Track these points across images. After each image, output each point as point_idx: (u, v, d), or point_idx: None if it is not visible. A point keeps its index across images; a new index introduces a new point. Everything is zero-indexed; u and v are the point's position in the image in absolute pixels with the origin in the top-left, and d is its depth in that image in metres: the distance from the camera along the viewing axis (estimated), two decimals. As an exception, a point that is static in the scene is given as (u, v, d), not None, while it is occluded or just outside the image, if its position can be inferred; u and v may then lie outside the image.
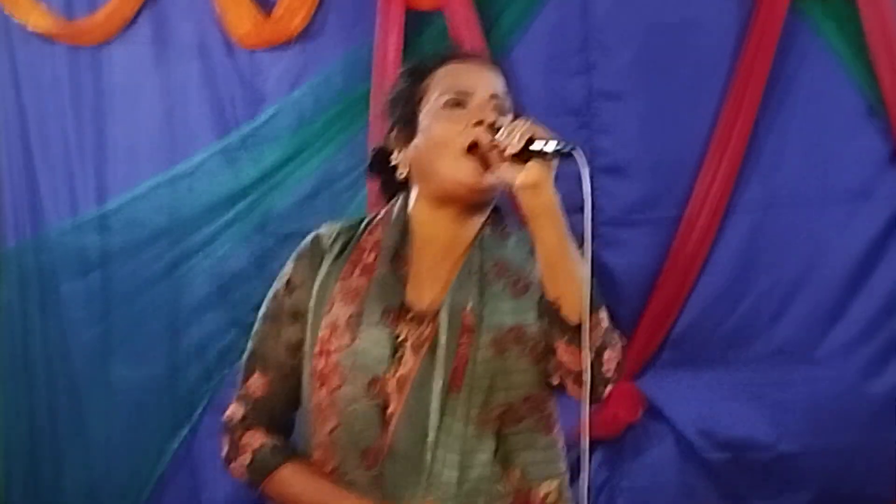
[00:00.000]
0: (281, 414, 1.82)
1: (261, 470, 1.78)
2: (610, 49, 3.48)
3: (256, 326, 1.84)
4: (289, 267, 1.82)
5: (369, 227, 1.81)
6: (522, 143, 1.60)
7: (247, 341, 1.88)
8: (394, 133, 1.83)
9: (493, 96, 1.77)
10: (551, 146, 1.59)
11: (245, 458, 1.79)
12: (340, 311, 1.72)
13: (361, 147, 3.40)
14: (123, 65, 3.78)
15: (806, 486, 3.41)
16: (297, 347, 1.78)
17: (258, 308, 1.88)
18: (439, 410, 1.66)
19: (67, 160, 3.81)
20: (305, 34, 3.64)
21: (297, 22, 3.61)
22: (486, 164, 1.68)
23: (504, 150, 1.62)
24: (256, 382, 1.81)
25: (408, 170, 1.79)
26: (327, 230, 1.83)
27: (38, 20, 3.74)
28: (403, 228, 1.78)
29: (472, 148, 1.69)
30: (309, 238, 1.83)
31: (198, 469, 3.68)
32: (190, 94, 3.73)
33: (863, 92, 3.40)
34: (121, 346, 3.75)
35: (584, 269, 1.62)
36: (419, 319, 1.71)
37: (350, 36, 3.60)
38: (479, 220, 1.78)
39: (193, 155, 3.71)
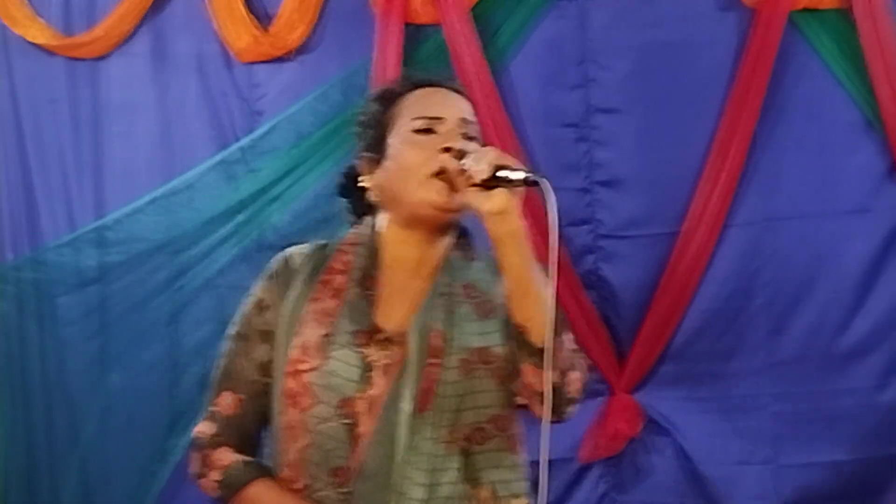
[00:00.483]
0: (250, 432, 1.83)
1: (231, 486, 1.79)
2: (608, 63, 3.50)
3: (226, 346, 1.85)
4: (259, 287, 1.83)
5: (340, 249, 1.84)
6: (490, 171, 1.62)
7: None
8: (364, 157, 1.85)
9: (462, 122, 1.79)
10: (519, 175, 1.61)
11: (216, 475, 1.81)
12: (311, 332, 1.74)
13: (359, 161, 3.41)
14: (122, 79, 3.79)
15: (806, 498, 3.41)
16: (266, 367, 1.80)
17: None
18: (408, 430, 1.69)
19: (65, 174, 3.81)
20: (304, 49, 3.66)
21: (296, 36, 3.63)
22: (453, 189, 1.71)
23: (471, 177, 1.64)
24: (226, 400, 1.83)
25: (377, 193, 1.82)
26: (297, 251, 1.85)
27: (36, 34, 3.75)
28: (373, 250, 1.81)
29: (440, 174, 1.72)
30: (279, 258, 1.85)
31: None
32: (188, 108, 3.74)
33: (860, 107, 3.41)
34: (118, 359, 3.75)
35: (549, 293, 1.65)
36: (389, 341, 1.73)
37: (348, 50, 3.62)
38: (446, 242, 1.81)
39: (191, 169, 3.71)
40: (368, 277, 1.79)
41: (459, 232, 1.84)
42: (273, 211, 3.67)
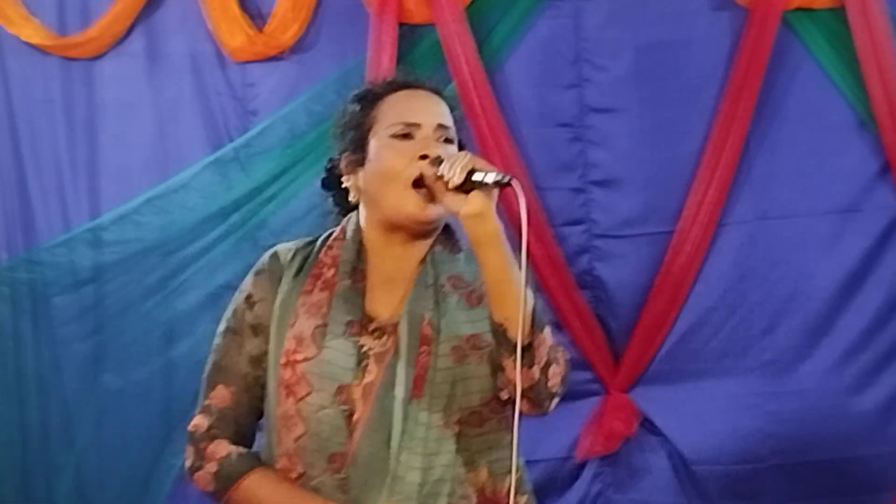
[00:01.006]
0: (245, 424, 1.88)
1: (228, 478, 1.83)
2: (602, 63, 3.50)
3: (217, 341, 1.90)
4: (248, 283, 1.89)
5: (326, 244, 1.89)
6: (464, 176, 1.67)
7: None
8: (345, 158, 1.90)
9: (439, 127, 1.83)
10: (490, 177, 1.66)
11: (211, 467, 1.84)
12: (305, 324, 1.80)
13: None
14: (116, 79, 3.78)
15: (798, 498, 3.42)
16: (258, 359, 1.85)
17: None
18: (402, 416, 1.75)
19: (60, 174, 3.81)
20: (298, 48, 3.65)
21: (290, 35, 3.63)
22: (431, 196, 1.76)
23: (448, 182, 1.69)
24: (220, 394, 1.87)
25: (357, 195, 1.87)
26: (284, 247, 1.91)
27: (31, 34, 3.74)
28: (359, 244, 1.86)
29: (418, 181, 1.76)
30: (267, 255, 1.91)
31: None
32: (182, 108, 3.74)
33: (853, 106, 3.42)
34: (113, 359, 3.74)
35: (524, 290, 1.67)
36: (381, 331, 1.80)
37: (343, 50, 3.62)
38: (427, 242, 1.86)
39: (186, 168, 3.71)
40: (356, 270, 1.84)
41: (442, 227, 1.87)
42: (268, 211, 3.67)
